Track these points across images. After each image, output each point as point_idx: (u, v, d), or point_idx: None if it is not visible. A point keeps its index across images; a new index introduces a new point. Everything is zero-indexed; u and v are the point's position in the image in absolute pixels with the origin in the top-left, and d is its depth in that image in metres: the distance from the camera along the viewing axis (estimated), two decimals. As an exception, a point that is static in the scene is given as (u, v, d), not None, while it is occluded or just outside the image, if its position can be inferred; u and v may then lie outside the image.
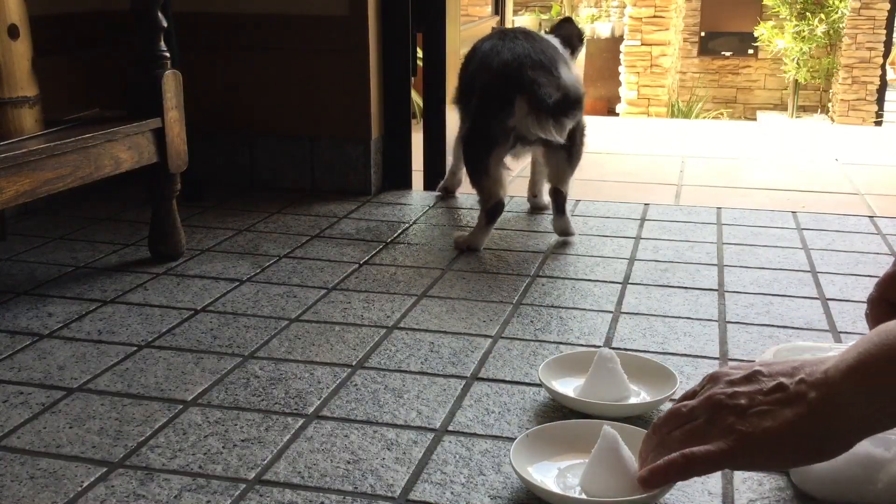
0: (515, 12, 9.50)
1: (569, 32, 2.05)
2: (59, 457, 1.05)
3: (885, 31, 8.21)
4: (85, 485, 1.00)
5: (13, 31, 1.48)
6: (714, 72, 9.52)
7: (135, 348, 1.35)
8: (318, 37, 2.21)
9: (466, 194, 2.30)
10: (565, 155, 1.83)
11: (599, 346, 1.35)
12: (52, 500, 0.97)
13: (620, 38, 8.98)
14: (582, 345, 1.36)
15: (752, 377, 0.81)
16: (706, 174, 2.64)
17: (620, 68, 8.83)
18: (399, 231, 1.96)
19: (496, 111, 1.74)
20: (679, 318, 1.47)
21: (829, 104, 8.82)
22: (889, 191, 2.44)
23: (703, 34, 9.47)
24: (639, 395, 1.17)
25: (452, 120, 2.25)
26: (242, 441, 1.09)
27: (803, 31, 8.25)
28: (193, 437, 1.10)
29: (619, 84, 8.83)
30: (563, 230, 1.88)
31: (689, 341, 1.38)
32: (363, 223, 2.02)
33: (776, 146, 3.30)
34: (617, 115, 8.56)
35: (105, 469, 1.03)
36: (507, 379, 1.25)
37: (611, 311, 1.50)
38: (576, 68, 1.94)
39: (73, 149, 1.50)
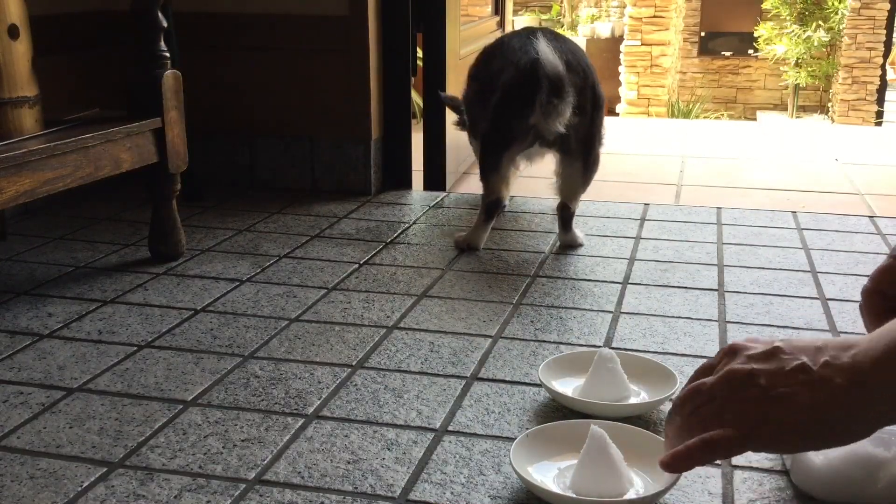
0: (515, 12, 9.50)
1: None
2: (59, 457, 1.05)
3: (885, 31, 8.21)
4: (85, 485, 1.00)
5: (13, 31, 1.48)
6: (714, 72, 9.52)
7: (135, 348, 1.35)
8: (318, 37, 2.21)
9: (468, 193, 2.30)
10: (580, 167, 1.81)
11: (599, 346, 1.35)
12: (52, 500, 0.97)
13: (620, 38, 8.99)
14: (582, 345, 1.36)
15: (772, 354, 0.78)
16: (706, 174, 2.64)
17: (620, 68, 8.83)
18: (399, 231, 1.96)
19: (518, 108, 1.72)
20: (679, 318, 1.47)
21: (829, 104, 8.82)
22: (889, 191, 2.44)
23: (703, 34, 9.47)
24: (639, 395, 1.17)
25: (452, 118, 2.25)
26: (242, 441, 1.09)
27: (801, 35, 8.25)
28: (193, 437, 1.10)
29: (619, 84, 8.83)
30: (571, 242, 1.86)
31: (689, 341, 1.38)
32: (363, 223, 2.02)
33: (776, 146, 3.30)
34: (617, 115, 8.56)
35: (105, 469, 1.03)
36: (507, 379, 1.25)
37: (611, 311, 1.50)
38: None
39: (73, 149, 1.50)
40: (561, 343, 1.37)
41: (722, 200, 2.26)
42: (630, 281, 1.65)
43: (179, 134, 1.71)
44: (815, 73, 8.51)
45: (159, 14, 1.66)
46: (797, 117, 8.86)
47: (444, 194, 2.29)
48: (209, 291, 1.59)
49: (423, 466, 1.03)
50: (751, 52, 9.13)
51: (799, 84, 8.70)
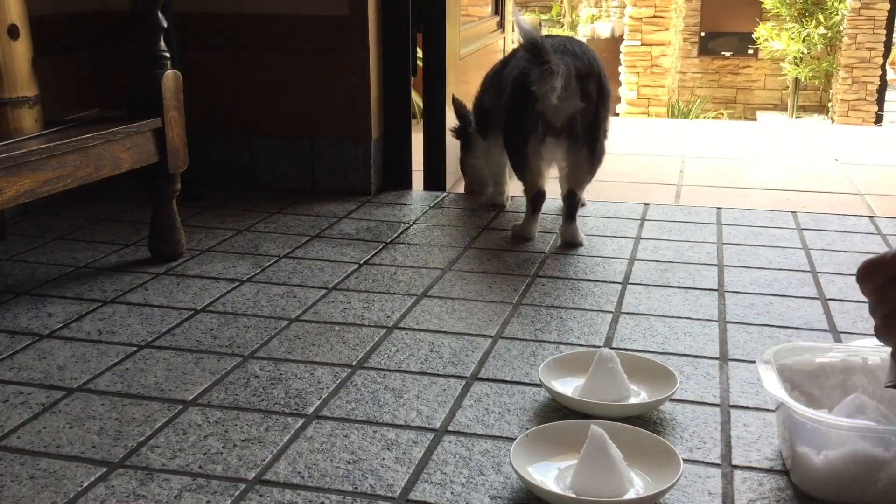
0: (515, 12, 9.49)
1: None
2: (59, 457, 1.05)
3: (885, 31, 8.21)
4: (85, 485, 1.00)
5: (13, 31, 1.48)
6: (714, 72, 9.52)
7: (135, 348, 1.35)
8: (318, 37, 2.21)
9: (465, 193, 2.30)
10: (586, 154, 1.83)
11: (599, 346, 1.35)
12: (52, 500, 0.97)
13: (620, 38, 8.99)
14: (582, 345, 1.36)
15: None
16: (706, 174, 2.64)
17: (620, 68, 8.83)
18: (399, 231, 1.96)
19: (525, 99, 1.77)
20: (679, 318, 1.47)
21: (830, 104, 8.82)
22: (889, 191, 2.44)
23: (703, 34, 9.47)
24: (639, 395, 1.17)
25: (452, 120, 2.25)
26: (242, 441, 1.09)
27: (801, 33, 8.25)
28: (193, 437, 1.10)
29: (619, 84, 8.83)
30: (571, 238, 1.86)
31: (689, 341, 1.38)
32: (363, 223, 2.02)
33: (776, 146, 3.30)
34: (617, 115, 8.55)
35: (105, 469, 1.03)
36: (507, 379, 1.25)
37: (611, 311, 1.50)
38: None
39: (73, 149, 1.50)
40: (561, 343, 1.37)
41: (722, 200, 2.26)
42: (630, 281, 1.65)
43: (179, 134, 1.71)
44: (815, 71, 8.50)
45: (159, 14, 1.66)
46: (797, 117, 8.86)
47: (444, 194, 2.29)
48: (209, 291, 1.59)
49: (423, 466, 1.03)
50: (751, 51, 9.13)
51: (799, 83, 8.69)
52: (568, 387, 1.19)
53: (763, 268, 1.73)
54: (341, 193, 2.26)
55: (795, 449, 0.98)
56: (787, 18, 8.42)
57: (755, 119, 8.98)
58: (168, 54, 1.68)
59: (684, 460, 1.01)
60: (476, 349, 1.35)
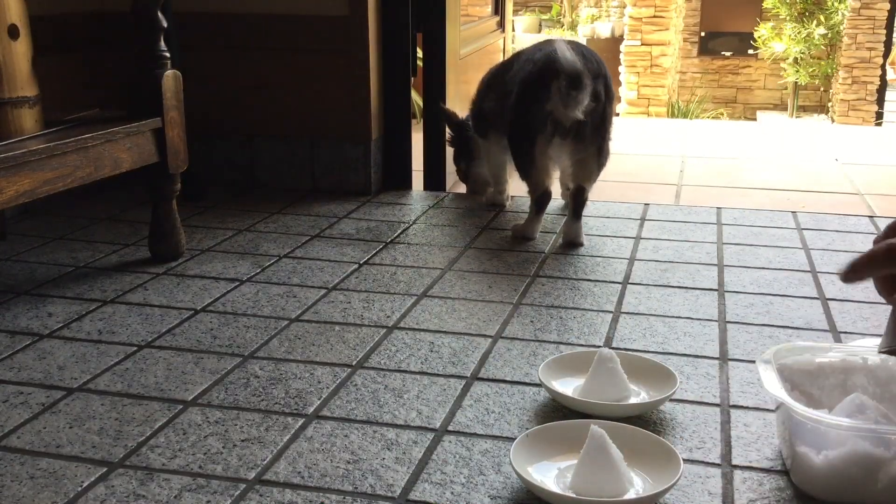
0: (515, 12, 9.50)
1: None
2: (59, 457, 1.05)
3: (885, 31, 8.21)
4: (85, 485, 1.00)
5: (13, 31, 1.48)
6: (714, 72, 9.52)
7: (135, 348, 1.35)
8: (318, 37, 2.21)
9: (465, 193, 2.30)
10: (595, 151, 1.85)
11: (599, 346, 1.35)
12: (52, 500, 0.97)
13: (620, 38, 8.99)
14: (582, 345, 1.36)
15: None
16: (706, 174, 2.64)
17: (620, 68, 8.83)
18: (399, 231, 1.96)
19: (534, 98, 1.77)
20: (679, 318, 1.47)
21: (830, 104, 8.82)
22: (889, 191, 2.44)
23: (703, 34, 9.47)
24: (639, 395, 1.17)
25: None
26: (242, 441, 1.09)
27: (801, 33, 8.25)
28: (193, 437, 1.10)
29: (619, 84, 8.83)
30: (574, 237, 1.86)
31: (689, 341, 1.38)
32: (363, 223, 2.02)
33: (776, 146, 3.30)
34: (617, 115, 8.54)
35: (105, 469, 1.03)
36: (507, 379, 1.25)
37: (611, 311, 1.50)
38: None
39: (73, 149, 1.50)
40: (561, 343, 1.37)
41: (722, 200, 2.26)
42: (630, 281, 1.65)
43: (179, 134, 1.71)
44: (815, 72, 8.51)
45: (159, 14, 1.66)
46: (797, 117, 8.86)
47: (444, 194, 2.29)
48: (209, 291, 1.59)
49: (423, 466, 1.03)
50: (751, 51, 9.13)
51: (799, 83, 8.69)
52: (568, 387, 1.19)
53: (763, 268, 1.73)
54: (341, 193, 2.26)
55: (795, 449, 0.98)
56: (787, 18, 8.42)
57: (755, 119, 8.98)
58: (168, 54, 1.68)
59: (684, 460, 1.01)
60: (476, 349, 1.35)
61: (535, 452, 1.01)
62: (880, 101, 8.34)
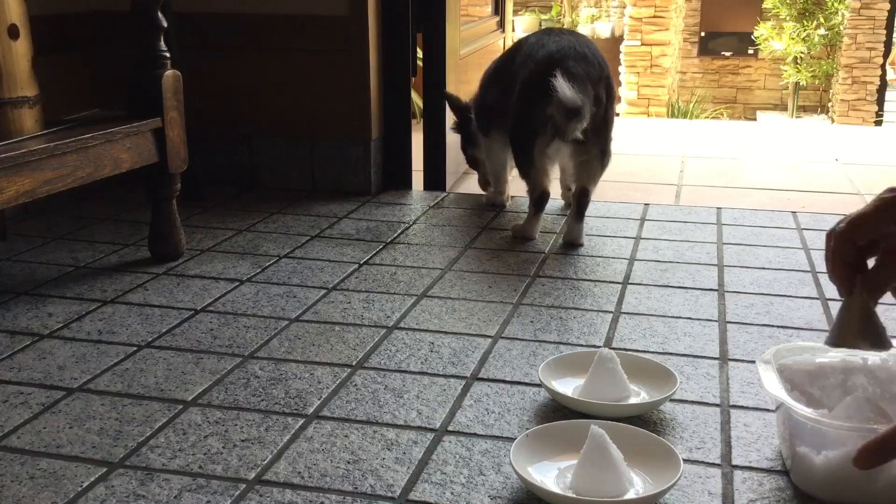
0: (515, 12, 9.50)
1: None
2: (59, 457, 1.05)
3: (885, 31, 8.21)
4: (85, 485, 1.00)
5: (13, 31, 1.48)
6: (714, 72, 9.52)
7: (135, 348, 1.35)
8: (318, 37, 2.21)
9: (468, 193, 2.30)
10: (597, 153, 1.85)
11: (599, 346, 1.35)
12: (52, 500, 0.97)
13: (620, 38, 8.99)
14: (582, 345, 1.36)
15: None
16: (706, 174, 2.64)
17: (620, 68, 8.83)
18: (399, 231, 1.96)
19: (536, 99, 1.77)
20: (679, 318, 1.47)
21: (829, 104, 8.82)
22: (889, 191, 2.44)
23: (703, 34, 9.47)
24: (639, 395, 1.17)
25: (452, 119, 2.25)
26: (242, 441, 1.09)
27: (801, 33, 8.25)
28: (193, 437, 1.10)
29: (619, 84, 8.83)
30: (576, 238, 1.86)
31: (689, 341, 1.38)
32: (363, 223, 2.02)
33: (776, 146, 3.29)
34: (617, 115, 8.53)
35: (105, 469, 1.03)
36: (507, 379, 1.25)
37: (611, 311, 1.50)
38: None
39: (73, 149, 1.50)
40: (561, 343, 1.37)
41: (722, 200, 2.26)
42: (630, 281, 1.65)
43: (179, 134, 1.71)
44: (815, 72, 8.51)
45: (159, 14, 1.66)
46: (797, 117, 8.86)
47: (444, 194, 2.29)
48: (209, 291, 1.59)
49: (423, 466, 1.03)
50: (751, 51, 9.13)
51: (799, 84, 8.69)
52: (568, 387, 1.19)
53: (763, 268, 1.73)
54: (341, 193, 2.26)
55: (795, 449, 0.98)
56: (787, 18, 8.42)
57: (755, 119, 8.98)
58: (168, 54, 1.68)
59: (684, 460, 1.01)
60: (476, 349, 1.35)
61: (535, 452, 1.01)
62: (880, 101, 8.34)
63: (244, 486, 0.99)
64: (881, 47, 8.24)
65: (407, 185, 2.33)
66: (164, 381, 1.25)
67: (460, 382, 1.24)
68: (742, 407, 1.17)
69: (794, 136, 3.70)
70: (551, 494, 0.95)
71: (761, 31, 8.59)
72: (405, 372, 1.27)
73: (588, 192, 1.87)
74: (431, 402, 1.18)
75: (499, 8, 3.51)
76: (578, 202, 1.87)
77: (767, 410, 1.16)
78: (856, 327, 0.88)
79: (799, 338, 1.39)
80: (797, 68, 8.47)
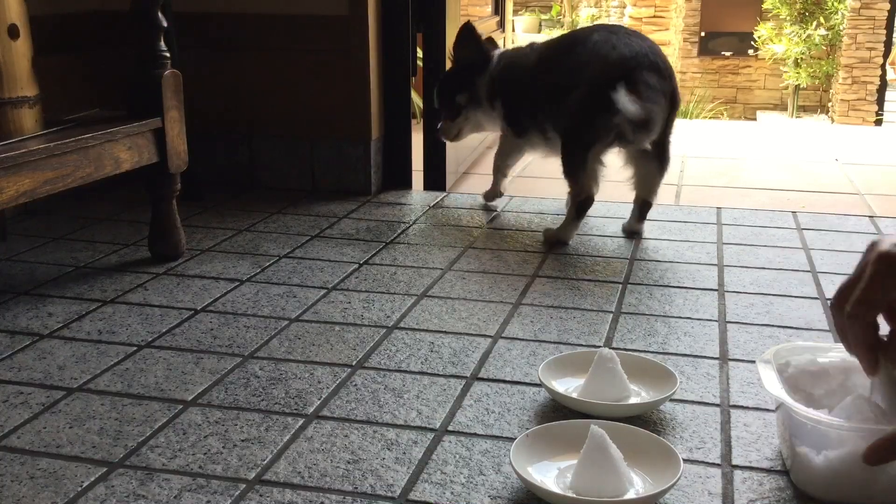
0: (515, 12, 9.50)
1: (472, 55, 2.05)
2: (59, 457, 1.05)
3: (885, 31, 8.21)
4: (85, 485, 1.00)
5: (13, 31, 1.48)
6: (714, 72, 9.52)
7: (135, 348, 1.35)
8: (318, 37, 2.21)
9: (468, 193, 2.30)
10: (657, 164, 1.87)
11: (599, 346, 1.35)
12: (52, 500, 0.97)
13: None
14: (582, 345, 1.36)
15: None
16: (706, 174, 2.64)
17: (620, 68, 8.81)
18: (399, 231, 1.96)
19: (605, 104, 1.71)
20: (679, 318, 1.47)
21: (830, 104, 8.82)
22: (889, 191, 2.44)
23: (703, 34, 9.47)
24: (639, 395, 1.17)
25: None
26: (242, 441, 1.09)
27: (801, 34, 8.25)
28: (193, 437, 1.10)
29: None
30: (638, 230, 1.93)
31: (689, 341, 1.38)
32: (363, 223, 2.02)
33: (776, 146, 3.29)
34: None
35: (105, 469, 1.03)
36: (507, 379, 1.25)
37: (611, 311, 1.50)
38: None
39: (73, 149, 1.50)
40: (561, 343, 1.37)
41: (722, 200, 2.26)
42: (630, 281, 1.65)
43: (179, 134, 1.71)
44: (815, 73, 8.51)
45: (159, 14, 1.66)
46: (797, 117, 8.86)
47: (444, 194, 2.29)
48: (209, 291, 1.59)
49: (423, 466, 1.03)
50: (751, 51, 9.13)
51: (799, 84, 8.69)
52: (568, 387, 1.19)
53: (763, 268, 1.73)
54: (341, 193, 2.26)
55: (795, 449, 0.98)
56: (787, 19, 8.42)
57: (755, 119, 8.98)
58: (168, 54, 1.68)
59: (684, 460, 1.01)
60: (476, 349, 1.35)
61: (535, 452, 1.01)
62: (880, 101, 8.34)
63: (244, 486, 0.99)
64: (881, 47, 8.24)
65: (407, 185, 2.33)
66: (164, 381, 1.25)
67: (460, 382, 1.24)
68: (742, 407, 1.17)
69: (794, 136, 3.70)
70: (551, 494, 0.95)
71: (761, 31, 8.59)
72: (405, 372, 1.27)
73: (650, 204, 1.91)
74: (431, 402, 1.18)
75: (499, 8, 3.51)
76: (641, 209, 1.92)
77: (767, 410, 1.16)
78: None
79: (799, 338, 1.39)
80: (797, 71, 8.47)
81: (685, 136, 3.58)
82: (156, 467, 1.03)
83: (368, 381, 1.24)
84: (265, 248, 1.84)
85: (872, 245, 0.86)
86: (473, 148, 2.77)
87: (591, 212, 2.08)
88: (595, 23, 1.83)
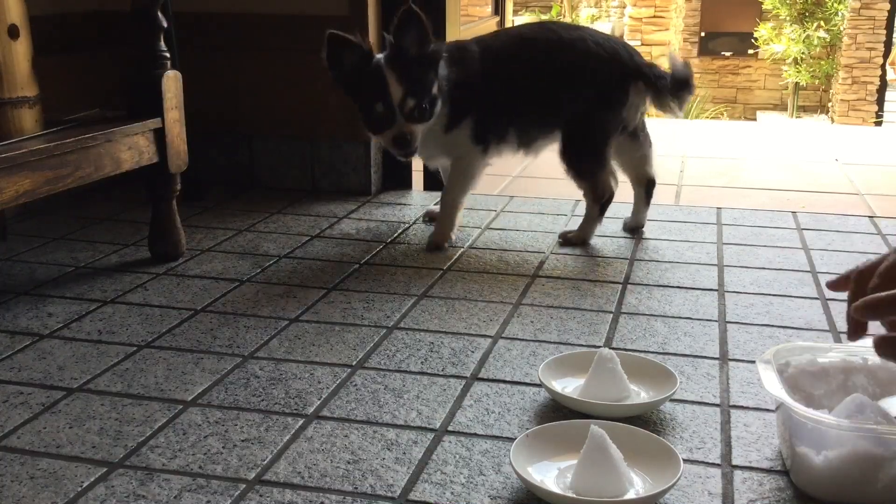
0: (515, 12, 9.50)
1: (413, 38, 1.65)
2: (59, 457, 1.05)
3: (885, 31, 8.21)
4: (85, 485, 1.00)
5: (13, 31, 1.48)
6: (714, 72, 9.52)
7: (135, 348, 1.35)
8: (319, 37, 2.20)
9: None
10: (648, 140, 1.94)
11: (599, 346, 1.35)
12: (52, 500, 0.97)
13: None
14: (582, 345, 1.36)
15: None
16: (706, 174, 2.64)
17: (620, 68, 8.81)
18: (399, 231, 1.96)
19: (621, 100, 1.80)
20: (679, 318, 1.47)
21: (830, 104, 8.82)
22: (889, 191, 2.44)
23: (703, 34, 9.47)
24: (639, 395, 1.17)
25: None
26: (242, 441, 1.09)
27: (801, 35, 8.25)
28: (193, 437, 1.10)
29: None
30: (642, 223, 1.96)
31: (689, 341, 1.38)
32: (363, 223, 2.02)
33: (776, 146, 3.29)
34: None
35: (105, 469, 1.03)
36: (507, 379, 1.25)
37: (611, 311, 1.50)
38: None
39: (73, 149, 1.50)
40: (561, 343, 1.37)
41: (722, 200, 2.26)
42: (630, 281, 1.65)
43: (179, 134, 1.71)
44: (815, 72, 8.51)
45: (159, 14, 1.66)
46: (797, 117, 8.86)
47: (444, 194, 2.29)
48: (209, 291, 1.59)
49: (423, 466, 1.03)
50: (751, 52, 9.13)
51: (799, 84, 8.69)
52: (568, 387, 1.19)
53: (763, 268, 1.73)
54: (341, 193, 2.26)
55: (795, 449, 0.98)
56: (787, 19, 8.42)
57: (755, 119, 8.98)
58: (168, 54, 1.68)
59: (684, 460, 1.01)
60: (476, 349, 1.35)
61: (535, 452, 1.01)
62: (880, 101, 8.34)
63: (244, 486, 0.99)
64: (881, 47, 8.24)
65: (407, 185, 2.33)
66: (164, 381, 1.25)
67: (460, 382, 1.24)
68: (742, 407, 1.17)
69: (794, 136, 3.70)
70: (551, 494, 0.95)
71: (761, 31, 8.59)
72: (405, 372, 1.27)
73: (654, 180, 1.94)
74: (431, 402, 1.18)
75: (499, 8, 3.51)
76: (647, 190, 1.94)
77: (767, 410, 1.16)
78: None
79: (799, 338, 1.39)
80: (797, 69, 8.47)
81: (685, 136, 3.58)
82: (156, 467, 1.03)
83: (368, 381, 1.24)
84: (265, 248, 1.84)
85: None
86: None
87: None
88: (542, 21, 1.81)
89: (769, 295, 1.58)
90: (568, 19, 10.25)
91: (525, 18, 9.87)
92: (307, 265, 1.73)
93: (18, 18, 1.49)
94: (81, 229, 1.96)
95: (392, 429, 1.12)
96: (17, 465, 1.03)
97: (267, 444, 1.08)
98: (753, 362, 1.26)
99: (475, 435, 1.10)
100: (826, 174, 2.66)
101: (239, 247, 1.84)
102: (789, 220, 2.05)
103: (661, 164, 2.76)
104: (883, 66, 8.22)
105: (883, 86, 8.32)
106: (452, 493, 0.98)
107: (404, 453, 1.06)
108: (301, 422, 1.13)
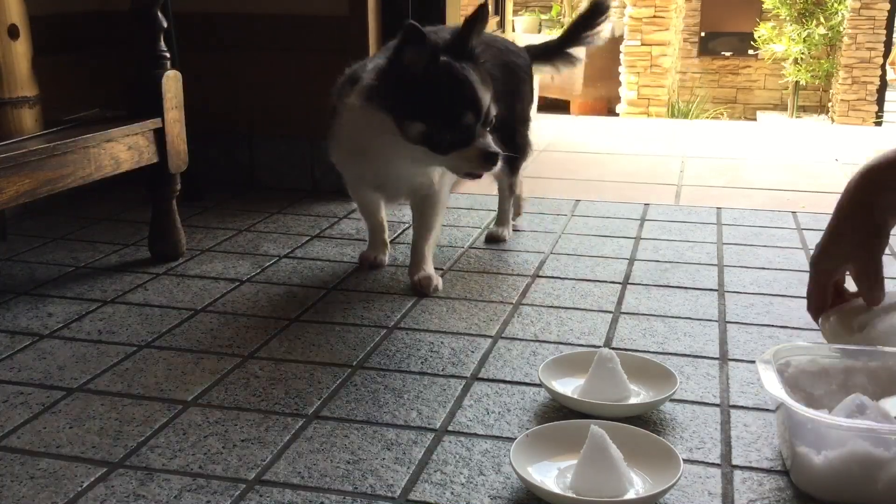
0: (515, 12, 9.49)
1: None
2: (59, 457, 1.05)
3: (885, 31, 8.21)
4: (85, 485, 1.00)
5: (13, 31, 1.48)
6: (714, 72, 9.51)
7: (135, 348, 1.35)
8: (318, 37, 2.21)
9: (467, 194, 2.30)
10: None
11: (599, 346, 1.35)
12: (52, 500, 0.97)
13: (620, 38, 8.98)
14: (582, 345, 1.36)
15: None
16: (706, 174, 2.64)
17: (620, 68, 8.82)
18: (399, 231, 1.96)
19: (531, 86, 1.89)
20: (679, 318, 1.47)
21: (830, 104, 8.82)
22: (889, 191, 2.44)
23: (703, 34, 9.47)
24: (639, 395, 1.17)
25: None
26: (242, 441, 1.09)
27: (802, 34, 8.25)
28: (193, 437, 1.10)
29: (619, 84, 8.83)
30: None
31: (689, 341, 1.38)
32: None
33: (776, 146, 3.29)
34: (617, 115, 8.55)
35: (105, 469, 1.03)
36: (507, 379, 1.25)
37: (611, 311, 1.50)
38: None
39: (73, 149, 1.50)
40: (561, 343, 1.37)
41: (722, 200, 2.26)
42: (630, 281, 1.65)
43: (179, 134, 1.71)
44: (815, 72, 8.50)
45: (159, 14, 1.66)
46: (797, 117, 8.85)
47: (444, 194, 2.29)
48: (209, 291, 1.59)
49: (423, 466, 1.03)
50: (751, 52, 9.13)
51: (799, 84, 8.69)
52: (568, 387, 1.19)
53: (763, 268, 1.73)
54: (341, 193, 2.25)
55: (795, 449, 0.98)
56: (787, 19, 8.42)
57: (755, 119, 8.98)
58: (168, 54, 1.68)
59: (684, 460, 1.01)
60: (476, 349, 1.35)
61: (535, 452, 1.01)
62: (880, 101, 8.33)
63: (244, 486, 0.99)
64: (881, 47, 8.23)
65: (407, 185, 2.33)
66: (164, 381, 1.25)
67: (460, 382, 1.24)
68: (742, 407, 1.17)
69: (794, 136, 3.70)
70: (551, 494, 0.95)
71: (761, 31, 8.59)
72: (405, 372, 1.27)
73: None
74: (431, 402, 1.18)
75: (499, 8, 3.51)
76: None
77: (767, 410, 1.16)
78: None
79: (799, 338, 1.39)
80: (797, 68, 8.47)
81: (685, 136, 3.58)
82: (156, 467, 1.03)
83: (368, 381, 1.24)
84: (265, 248, 1.84)
85: None
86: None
87: (590, 212, 2.08)
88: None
89: (769, 295, 1.58)
90: (568, 19, 10.25)
91: (525, 18, 9.87)
92: (307, 265, 1.73)
93: (18, 18, 1.49)
94: (81, 229, 1.96)
95: (392, 429, 1.11)
96: (17, 465, 1.03)
97: (267, 444, 1.08)
98: (753, 362, 1.26)
99: (475, 435, 1.10)
100: (826, 174, 2.66)
101: (239, 247, 1.84)
102: (789, 220, 2.05)
103: (661, 164, 2.77)
104: (883, 66, 8.21)
105: (883, 86, 8.32)
106: (452, 493, 0.98)
107: (404, 453, 1.06)
108: (301, 422, 1.13)
